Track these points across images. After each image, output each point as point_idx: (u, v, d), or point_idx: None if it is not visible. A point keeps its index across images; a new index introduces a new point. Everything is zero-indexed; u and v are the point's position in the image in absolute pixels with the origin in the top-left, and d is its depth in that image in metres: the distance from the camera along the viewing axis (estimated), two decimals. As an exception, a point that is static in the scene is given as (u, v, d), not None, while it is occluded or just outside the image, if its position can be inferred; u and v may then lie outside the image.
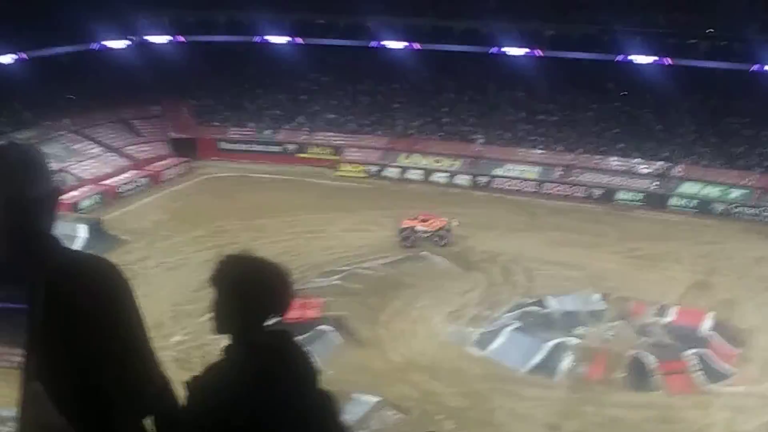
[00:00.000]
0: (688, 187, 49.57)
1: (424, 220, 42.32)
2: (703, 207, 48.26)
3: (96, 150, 53.55)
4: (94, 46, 57.43)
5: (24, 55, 53.13)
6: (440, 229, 42.13)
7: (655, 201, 49.20)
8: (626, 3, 54.04)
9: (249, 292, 3.10)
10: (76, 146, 52.99)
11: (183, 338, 31.93)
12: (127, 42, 59.55)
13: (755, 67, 50.79)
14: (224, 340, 3.23)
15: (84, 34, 56.05)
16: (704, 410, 28.46)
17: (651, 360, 30.57)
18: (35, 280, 2.80)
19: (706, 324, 33.09)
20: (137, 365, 2.97)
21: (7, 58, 52.33)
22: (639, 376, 30.13)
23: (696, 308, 34.85)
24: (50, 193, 2.99)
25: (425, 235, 41.75)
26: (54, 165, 44.94)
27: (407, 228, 41.84)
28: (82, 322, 2.84)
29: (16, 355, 2.57)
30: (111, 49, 58.53)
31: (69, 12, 52.88)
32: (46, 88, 54.94)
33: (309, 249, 41.15)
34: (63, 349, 2.83)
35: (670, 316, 33.81)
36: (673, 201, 49.02)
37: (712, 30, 52.87)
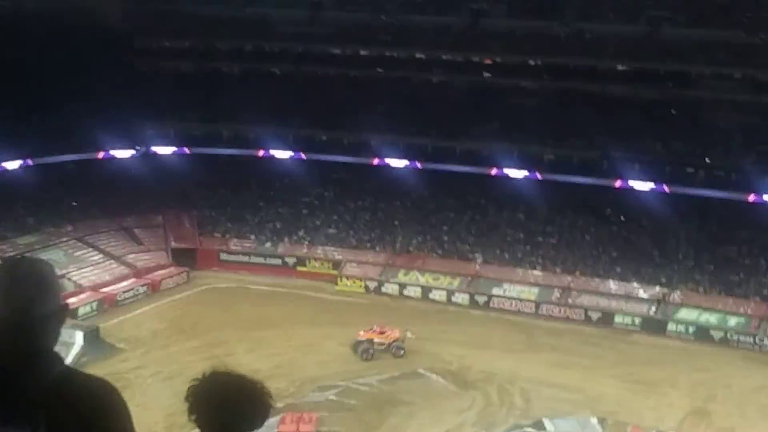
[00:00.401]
0: (686, 313, 49.58)
1: (381, 333, 42.95)
2: (702, 333, 48.16)
3: (97, 257, 53.76)
4: (100, 154, 58.18)
5: (29, 161, 53.87)
6: (396, 340, 42.80)
7: (653, 326, 49.16)
8: (626, 130, 55.02)
9: (230, 411, 3.13)
10: (77, 253, 53.21)
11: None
12: (133, 152, 60.36)
13: (752, 197, 51.38)
14: None
15: (90, 143, 56.86)
16: None
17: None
18: (35, 402, 2.75)
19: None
20: None
21: (14, 164, 53.04)
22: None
23: (694, 435, 34.58)
24: (57, 311, 2.96)
25: (381, 347, 42.37)
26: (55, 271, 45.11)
27: (365, 341, 42.43)
28: None
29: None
30: (116, 158, 59.30)
31: (76, 120, 53.80)
32: (50, 194, 55.59)
33: (305, 363, 41.05)
34: None
35: (668, 443, 33.52)
36: (671, 326, 48.97)
37: (708, 160, 53.67)
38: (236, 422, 3.13)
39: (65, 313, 3.03)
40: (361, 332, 42.72)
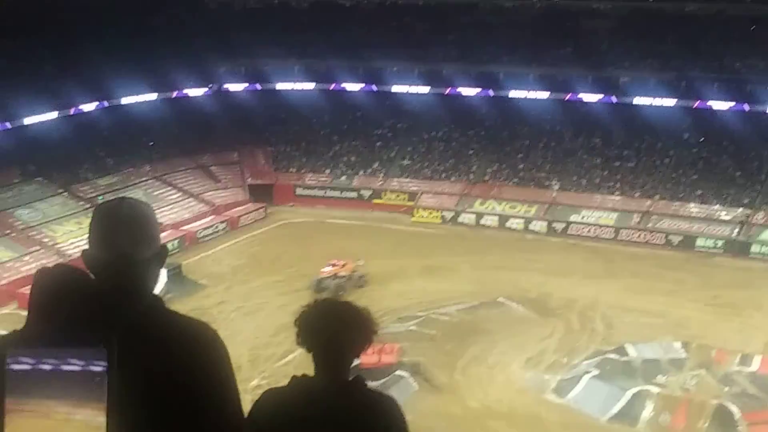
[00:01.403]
0: (769, 234, 48.65)
1: (343, 265, 42.27)
2: (786, 254, 47.27)
3: (176, 196, 54.51)
4: (174, 94, 58.67)
5: (105, 103, 54.55)
6: (354, 271, 42.18)
7: (736, 248, 48.28)
8: (703, 49, 53.67)
9: (337, 334, 3.29)
10: (156, 192, 53.98)
11: (261, 382, 32.03)
12: (206, 90, 60.77)
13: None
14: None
15: (164, 82, 57.39)
16: (792, 462, 27.75)
17: (735, 410, 29.89)
18: (138, 340, 2.74)
19: (793, 373, 32.31)
20: None
21: (90, 106, 53.77)
22: (723, 426, 29.44)
23: (781, 358, 34.06)
24: (158, 252, 3.00)
25: (343, 279, 41.52)
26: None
27: (329, 277, 41.32)
28: (182, 388, 2.83)
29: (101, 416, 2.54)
30: (190, 97, 59.78)
31: (149, 60, 54.28)
32: (128, 135, 56.34)
33: (385, 294, 41.17)
34: (157, 413, 2.79)
35: (754, 366, 33.07)
36: (755, 248, 48.05)
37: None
38: (343, 345, 3.30)
39: (165, 254, 3.05)
40: (322, 271, 41.76)
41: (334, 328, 3.28)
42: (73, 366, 2.45)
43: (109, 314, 2.80)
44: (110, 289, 2.87)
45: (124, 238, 2.87)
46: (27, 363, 2.47)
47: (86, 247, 2.97)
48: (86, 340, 2.47)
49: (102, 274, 2.90)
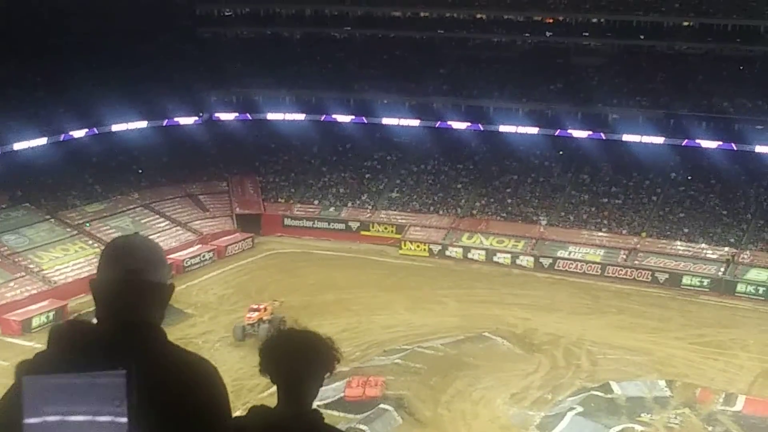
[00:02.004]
0: (755, 274, 48.72)
1: (264, 309, 40.43)
2: (771, 294, 47.38)
3: (163, 224, 54.44)
4: (165, 122, 58.75)
5: (95, 130, 54.57)
6: (273, 313, 40.22)
7: (722, 287, 48.38)
8: (692, 89, 54.10)
9: (297, 362, 3.30)
10: (144, 220, 53.95)
11: (244, 413, 31.92)
12: (197, 119, 60.88)
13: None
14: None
15: (154, 111, 57.47)
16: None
17: (719, 450, 29.91)
18: (143, 374, 2.69)
19: (776, 414, 32.33)
20: None
21: (80, 133, 53.79)
22: (706, 466, 29.46)
23: (765, 398, 34.11)
24: (166, 284, 3.04)
25: (267, 323, 38.93)
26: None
27: (256, 322, 39.40)
28: (182, 423, 2.84)
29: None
30: (180, 125, 59.84)
31: (140, 89, 54.40)
32: (116, 162, 56.36)
33: (370, 327, 41.23)
34: None
35: (738, 406, 33.15)
36: (741, 287, 48.17)
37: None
38: (303, 374, 3.29)
39: (172, 290, 3.08)
40: (247, 317, 40.05)
41: (295, 357, 3.29)
42: (93, 385, 2.50)
43: (120, 351, 2.79)
44: (116, 324, 2.89)
45: (134, 257, 2.96)
46: (45, 384, 2.52)
47: (94, 277, 3.03)
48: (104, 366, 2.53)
49: (109, 296, 2.94)
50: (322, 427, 3.30)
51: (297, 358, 3.28)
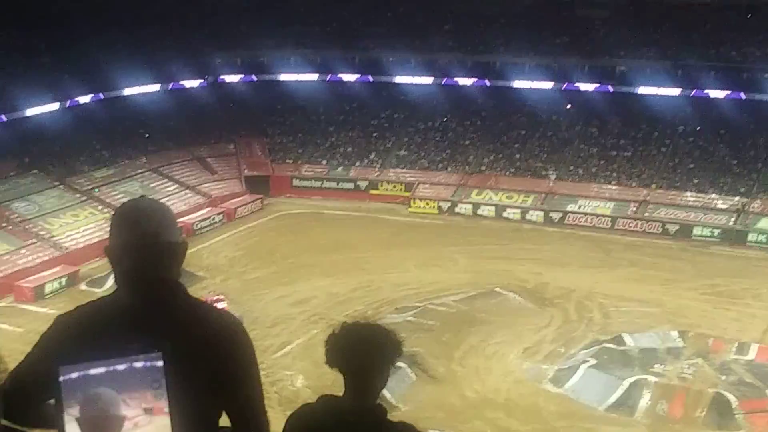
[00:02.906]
0: (766, 223, 48.59)
1: (214, 302, 34.25)
2: (783, 243, 47.24)
3: (172, 188, 54.44)
4: (170, 85, 58.55)
5: (101, 95, 54.42)
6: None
7: (733, 237, 48.28)
8: (699, 38, 53.63)
9: (374, 358, 3.39)
10: (152, 184, 53.92)
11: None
12: (202, 81, 60.68)
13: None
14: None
15: (159, 74, 57.23)
16: (789, 450, 27.80)
17: (732, 399, 29.94)
18: (172, 330, 2.90)
19: (790, 362, 32.35)
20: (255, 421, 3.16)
21: (86, 98, 53.65)
22: (720, 414, 29.48)
23: (778, 346, 34.13)
24: (181, 242, 3.12)
25: None
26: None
27: None
28: (217, 377, 2.98)
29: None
30: (186, 88, 59.66)
31: (145, 53, 54.13)
32: (123, 126, 56.24)
33: (382, 285, 41.23)
34: (198, 401, 2.92)
35: (751, 354, 33.13)
36: (752, 236, 48.05)
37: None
38: (373, 369, 3.39)
39: (185, 247, 3.16)
40: None
41: (365, 352, 3.37)
42: (130, 366, 2.60)
43: (150, 300, 2.98)
44: (139, 276, 3.00)
45: (148, 221, 3.03)
46: (81, 371, 2.59)
47: (107, 243, 3.12)
48: (136, 345, 2.63)
49: (128, 260, 3.02)
50: (385, 421, 3.40)
51: (363, 351, 3.35)
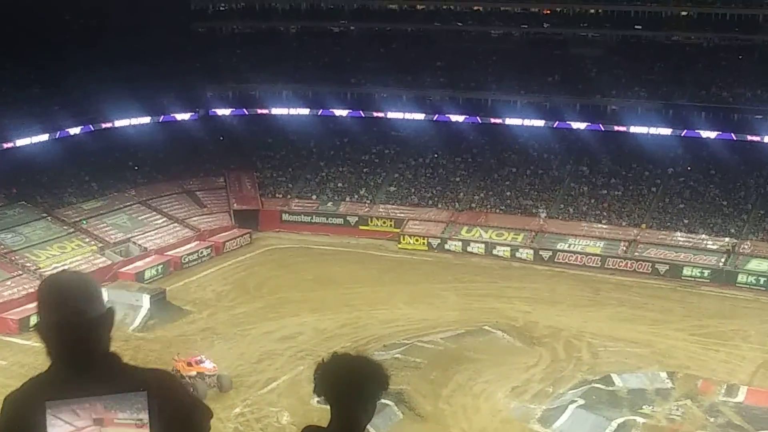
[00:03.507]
0: (756, 264, 48.51)
1: (198, 362, 33.48)
2: (772, 284, 47.08)
3: (161, 221, 54.18)
4: (161, 118, 58.44)
5: (91, 127, 54.28)
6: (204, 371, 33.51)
7: (723, 277, 48.17)
8: (691, 78, 53.87)
9: (362, 389, 3.42)
10: (141, 217, 53.70)
11: (244, 410, 31.83)
12: (193, 114, 60.60)
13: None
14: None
15: (150, 107, 57.16)
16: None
17: (721, 441, 29.75)
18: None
19: (779, 405, 32.15)
20: None
21: (75, 130, 53.51)
22: (709, 457, 29.31)
23: (767, 389, 33.94)
24: (106, 313, 3.17)
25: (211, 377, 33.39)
26: (119, 235, 45.45)
27: (197, 374, 32.63)
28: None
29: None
30: (176, 121, 59.54)
31: (136, 85, 54.03)
32: (113, 159, 56.05)
33: (370, 322, 41.02)
34: None
35: (740, 396, 32.99)
36: (741, 277, 47.95)
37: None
38: (355, 397, 3.41)
39: (113, 316, 3.20)
40: (183, 366, 32.82)
41: (352, 382, 3.40)
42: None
43: (82, 374, 3.06)
44: (72, 350, 3.09)
45: (72, 299, 3.08)
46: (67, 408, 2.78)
47: (37, 321, 3.16)
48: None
49: (56, 338, 3.09)
50: None
51: (350, 381, 3.39)
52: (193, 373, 32.60)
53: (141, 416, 2.77)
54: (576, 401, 32.60)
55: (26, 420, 2.96)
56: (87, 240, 49.27)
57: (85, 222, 50.92)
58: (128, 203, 54.72)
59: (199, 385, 31.75)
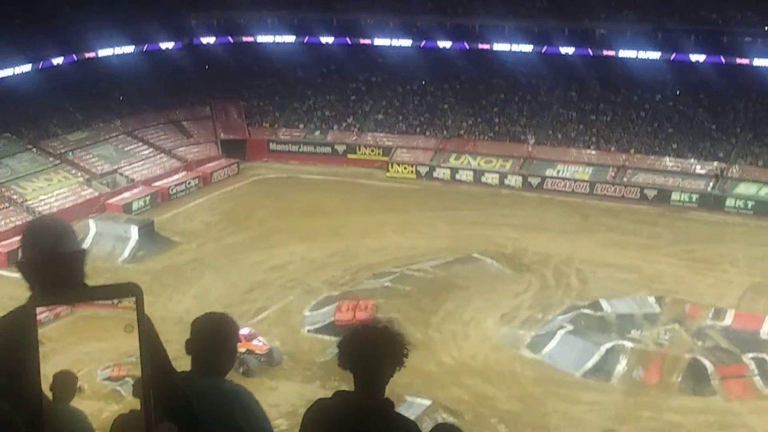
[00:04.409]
0: (744, 188, 48.58)
1: (248, 337, 29.75)
2: (761, 208, 47.00)
3: (147, 151, 53.86)
4: (145, 47, 57.63)
5: (74, 56, 53.53)
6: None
7: (711, 202, 48.27)
8: (681, 1, 53.27)
9: (384, 359, 3.66)
10: (127, 148, 53.37)
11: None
12: (177, 43, 59.76)
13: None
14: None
15: (134, 36, 56.33)
16: (764, 415, 27.86)
17: (708, 364, 30.03)
18: None
19: (766, 328, 32.39)
20: None
21: (59, 60, 52.77)
22: (696, 380, 29.64)
23: (754, 312, 34.18)
24: (79, 251, 3.42)
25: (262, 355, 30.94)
26: (106, 166, 45.24)
27: (246, 351, 29.53)
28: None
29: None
30: (161, 50, 58.72)
31: (120, 13, 53.22)
32: (98, 89, 55.40)
33: (359, 250, 41.04)
34: None
35: (727, 320, 33.23)
36: (730, 202, 48.02)
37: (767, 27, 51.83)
38: (383, 368, 3.67)
39: (86, 254, 3.43)
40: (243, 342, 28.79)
41: (370, 353, 3.64)
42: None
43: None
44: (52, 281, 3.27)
45: (47, 237, 3.37)
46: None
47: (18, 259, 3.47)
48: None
49: (34, 272, 3.32)
50: (392, 414, 3.71)
51: (372, 353, 3.63)
52: (243, 350, 28.59)
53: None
54: (565, 327, 32.83)
55: (15, 342, 2.97)
56: (73, 171, 48.98)
57: (71, 153, 50.57)
58: (114, 134, 54.33)
59: (250, 362, 29.56)
